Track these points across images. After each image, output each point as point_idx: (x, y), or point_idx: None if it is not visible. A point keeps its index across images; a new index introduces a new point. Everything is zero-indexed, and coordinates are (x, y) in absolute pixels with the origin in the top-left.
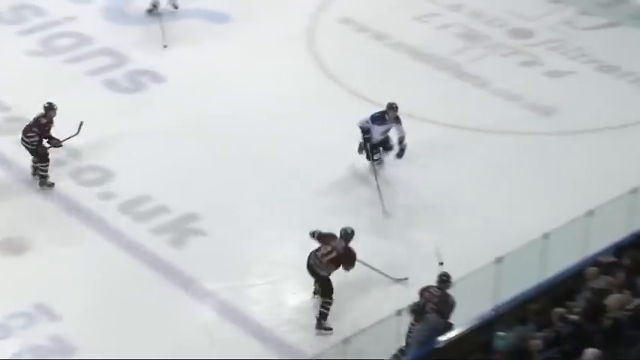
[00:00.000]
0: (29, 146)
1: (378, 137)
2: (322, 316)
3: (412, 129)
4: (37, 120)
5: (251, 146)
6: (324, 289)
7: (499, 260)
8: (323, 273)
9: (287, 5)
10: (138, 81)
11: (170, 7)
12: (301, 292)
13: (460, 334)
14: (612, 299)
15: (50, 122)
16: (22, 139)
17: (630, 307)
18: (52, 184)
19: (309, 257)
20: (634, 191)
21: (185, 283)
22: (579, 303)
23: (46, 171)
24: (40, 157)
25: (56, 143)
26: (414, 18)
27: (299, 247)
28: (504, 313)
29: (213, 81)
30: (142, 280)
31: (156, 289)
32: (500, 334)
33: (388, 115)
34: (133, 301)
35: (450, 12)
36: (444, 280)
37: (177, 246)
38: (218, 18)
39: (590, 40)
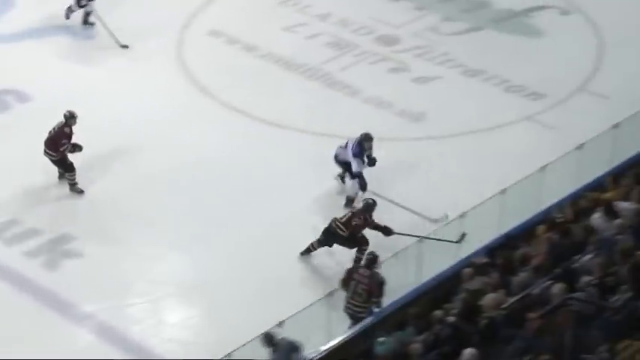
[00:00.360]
0: (57, 157)
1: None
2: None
3: (285, 139)
4: (61, 130)
5: (125, 163)
6: (356, 244)
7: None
8: (343, 233)
9: (154, 19)
10: (2, 100)
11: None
12: (182, 309)
13: (340, 341)
14: (487, 299)
15: (72, 131)
16: (49, 153)
17: (505, 306)
18: (82, 191)
19: (330, 225)
20: (503, 192)
21: (61, 306)
22: (456, 305)
23: (75, 179)
24: (67, 168)
25: (78, 149)
26: (283, 28)
27: (178, 264)
28: (384, 318)
29: (82, 100)
30: (16, 306)
31: (30, 315)
32: (381, 339)
33: (367, 145)
34: (7, 329)
35: (318, 22)
36: (372, 259)
37: (52, 269)
38: (84, 35)
39: (455, 45)
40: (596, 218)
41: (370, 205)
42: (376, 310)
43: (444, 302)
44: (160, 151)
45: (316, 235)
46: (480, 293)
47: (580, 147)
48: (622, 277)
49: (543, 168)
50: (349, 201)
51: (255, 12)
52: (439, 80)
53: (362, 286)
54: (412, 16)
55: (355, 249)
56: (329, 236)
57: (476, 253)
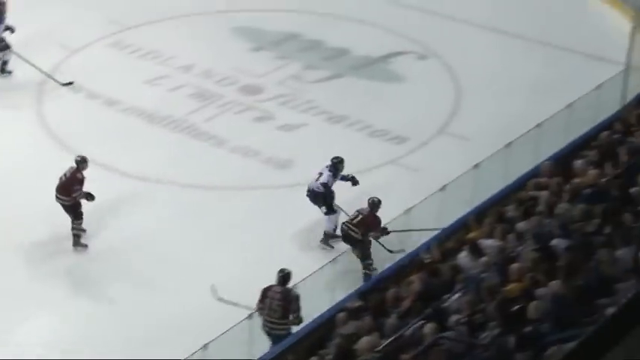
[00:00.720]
0: (69, 203)
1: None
2: (367, 277)
3: (151, 192)
4: (73, 176)
5: None
6: (363, 253)
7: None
8: (357, 236)
9: (14, 74)
10: None
11: None
12: None
13: None
14: (362, 343)
15: (84, 176)
16: (61, 198)
17: (379, 348)
18: (85, 246)
19: (342, 229)
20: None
21: None
22: (331, 350)
23: (81, 229)
24: (76, 215)
25: (91, 197)
26: (145, 81)
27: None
28: None
29: None
30: None
31: None
32: None
33: (341, 166)
34: None
35: (180, 74)
36: (285, 276)
37: None
38: None
39: (318, 92)
40: (462, 257)
41: (377, 203)
42: (296, 328)
43: (319, 348)
44: (18, 207)
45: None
46: (354, 337)
47: (443, 188)
48: (490, 314)
49: (408, 210)
50: (327, 237)
51: (116, 66)
52: (304, 127)
53: (276, 302)
54: (274, 65)
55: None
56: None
57: (348, 298)
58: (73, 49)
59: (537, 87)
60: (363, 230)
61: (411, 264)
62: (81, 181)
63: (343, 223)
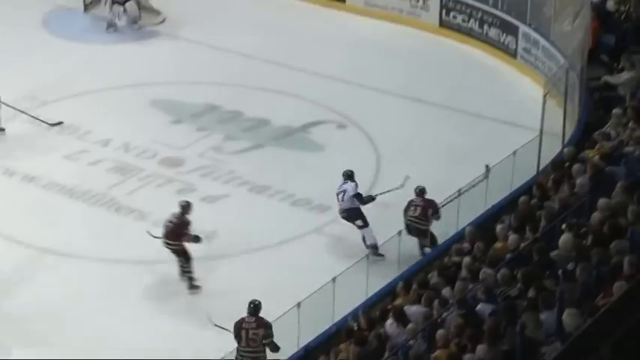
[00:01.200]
0: (178, 247)
1: None
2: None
3: (73, 268)
4: (180, 221)
5: None
6: (430, 238)
7: None
8: (424, 227)
9: None
10: None
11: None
12: None
13: None
14: None
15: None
16: (170, 244)
17: None
18: (198, 287)
19: (405, 222)
20: (298, 305)
21: None
22: None
23: (191, 271)
24: (186, 258)
25: (198, 240)
26: (64, 157)
27: None
28: None
29: None
30: None
31: None
32: None
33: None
34: None
35: (99, 148)
36: (256, 306)
37: None
38: None
39: (239, 163)
40: (389, 325)
41: (424, 189)
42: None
43: None
44: None
45: None
46: None
47: (367, 256)
48: None
49: (334, 278)
50: (374, 248)
51: (32, 141)
52: (226, 198)
53: (252, 331)
54: (195, 137)
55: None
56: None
57: None
58: None
59: (454, 153)
60: (426, 219)
61: (338, 333)
62: (188, 225)
63: (407, 218)
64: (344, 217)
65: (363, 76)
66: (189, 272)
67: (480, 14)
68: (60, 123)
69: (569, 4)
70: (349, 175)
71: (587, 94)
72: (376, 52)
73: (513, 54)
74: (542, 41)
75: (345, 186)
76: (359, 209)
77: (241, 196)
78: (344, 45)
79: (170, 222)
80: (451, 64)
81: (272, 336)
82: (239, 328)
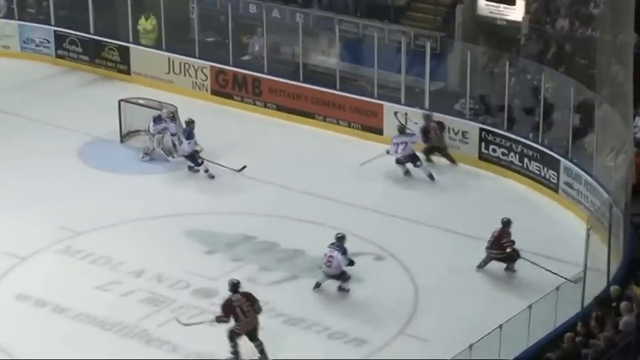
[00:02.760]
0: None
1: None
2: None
3: None
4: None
5: None
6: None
7: None
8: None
9: None
10: None
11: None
12: None
13: None
14: None
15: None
16: (494, 254)
17: None
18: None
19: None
20: None
21: None
22: None
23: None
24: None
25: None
26: (96, 287)
27: None
28: None
29: None
30: None
31: None
32: None
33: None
34: None
35: (132, 279)
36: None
37: None
38: None
39: (274, 294)
40: None
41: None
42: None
43: None
44: None
45: None
46: None
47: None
48: None
49: None
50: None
51: (64, 272)
52: (261, 330)
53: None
54: (229, 267)
55: None
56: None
57: None
58: (21, 257)
59: (495, 287)
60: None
61: None
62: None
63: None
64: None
65: (401, 208)
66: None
67: (519, 148)
68: (244, 167)
69: (611, 139)
70: (339, 238)
71: (631, 229)
72: (415, 185)
73: (555, 188)
74: (585, 176)
75: (333, 251)
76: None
77: (276, 328)
78: (381, 177)
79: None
80: (491, 197)
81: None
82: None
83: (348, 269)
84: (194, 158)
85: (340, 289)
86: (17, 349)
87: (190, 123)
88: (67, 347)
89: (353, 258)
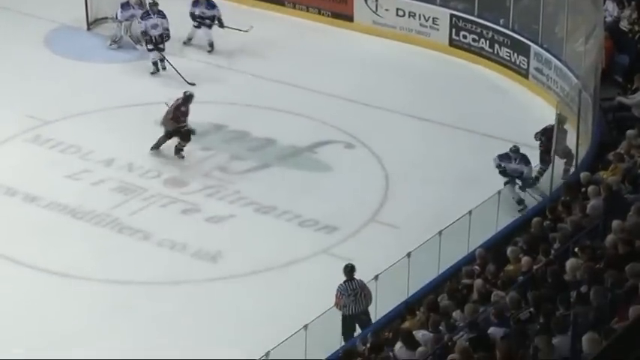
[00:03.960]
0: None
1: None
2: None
3: (77, 289)
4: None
5: None
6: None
7: None
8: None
9: None
10: None
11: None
12: None
13: None
14: None
15: None
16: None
17: None
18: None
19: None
20: (305, 328)
21: None
22: None
23: None
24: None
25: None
26: (66, 176)
27: None
28: None
29: None
30: None
31: None
32: None
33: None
34: None
35: (102, 167)
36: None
37: None
38: None
39: (245, 183)
40: (398, 349)
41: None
42: None
43: None
44: None
45: None
46: None
47: (376, 278)
48: None
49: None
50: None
51: (34, 161)
52: (232, 219)
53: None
54: (200, 157)
55: None
56: None
57: None
58: None
59: (464, 174)
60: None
61: (347, 355)
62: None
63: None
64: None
65: (372, 96)
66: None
67: (490, 34)
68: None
69: (582, 24)
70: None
71: (600, 114)
72: (385, 72)
73: (525, 74)
74: (555, 61)
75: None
76: None
77: (247, 217)
78: (352, 64)
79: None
80: (461, 83)
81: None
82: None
83: None
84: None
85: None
86: None
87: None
88: (40, 236)
89: (324, 146)
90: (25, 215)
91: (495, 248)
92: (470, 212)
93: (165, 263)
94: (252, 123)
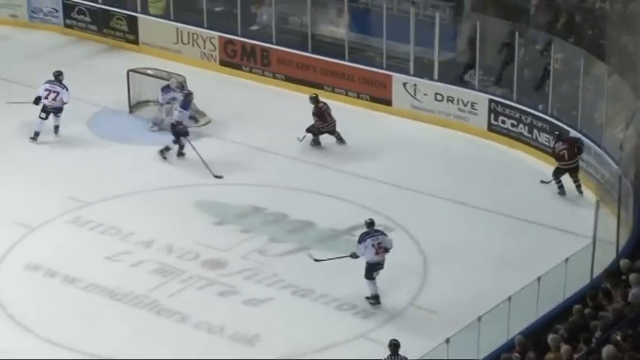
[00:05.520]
0: None
1: None
2: None
3: None
4: None
5: None
6: None
7: None
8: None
9: None
10: None
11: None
12: None
13: None
14: None
15: None
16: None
17: None
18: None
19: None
20: None
21: None
22: None
23: None
24: None
25: None
26: (106, 258)
27: None
28: None
29: None
30: None
31: None
32: None
33: None
34: None
35: (141, 249)
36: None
37: None
38: None
39: (283, 266)
40: None
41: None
42: None
43: None
44: None
45: None
46: None
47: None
48: None
49: None
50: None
51: (74, 242)
52: (270, 302)
53: None
54: (238, 238)
55: None
56: None
57: None
58: (31, 227)
59: (503, 258)
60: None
61: None
62: None
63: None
64: None
65: (410, 180)
66: None
67: (529, 119)
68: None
69: (622, 111)
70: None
71: None
72: (423, 156)
73: None
74: (594, 147)
75: None
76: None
77: (285, 300)
78: (390, 148)
79: None
80: (500, 168)
81: None
82: None
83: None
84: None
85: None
86: (28, 319)
87: (189, 95)
88: (78, 317)
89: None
90: (65, 296)
91: (535, 335)
92: (509, 298)
93: (202, 346)
94: (290, 205)
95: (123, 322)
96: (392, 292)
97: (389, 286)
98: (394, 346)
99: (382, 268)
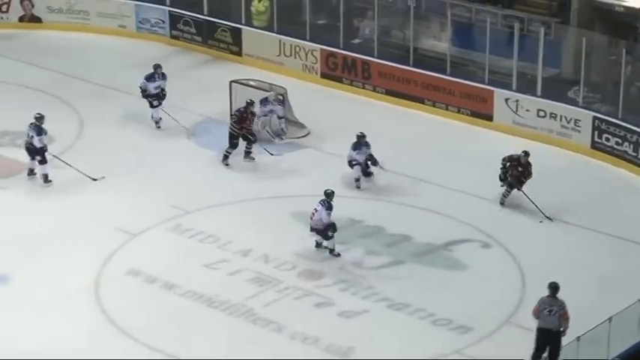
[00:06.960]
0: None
1: None
2: None
3: None
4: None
5: None
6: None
7: None
8: None
9: (70, 259)
10: None
11: None
12: None
13: None
14: None
15: None
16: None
17: None
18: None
19: None
20: None
21: None
22: None
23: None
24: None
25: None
26: (204, 265)
27: None
28: None
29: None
30: None
31: None
32: None
33: None
34: None
35: (239, 258)
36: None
37: None
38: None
39: (379, 278)
40: None
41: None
42: None
43: None
44: None
45: None
46: None
47: None
48: None
49: None
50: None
51: (174, 250)
52: (365, 314)
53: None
54: (336, 250)
55: None
56: None
57: None
58: (132, 233)
59: (604, 278)
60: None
61: None
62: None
63: None
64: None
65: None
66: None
67: (634, 137)
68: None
69: None
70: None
71: None
72: None
73: None
74: None
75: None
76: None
77: (380, 313)
78: (490, 163)
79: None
80: (602, 186)
81: None
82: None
83: (331, 228)
84: None
85: (331, 252)
86: (127, 324)
87: (40, 118)
88: (176, 323)
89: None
90: (163, 303)
91: (635, 358)
92: (610, 319)
93: (297, 357)
94: (388, 219)
95: (219, 330)
96: (489, 309)
97: (487, 303)
98: (554, 288)
99: (313, 231)
